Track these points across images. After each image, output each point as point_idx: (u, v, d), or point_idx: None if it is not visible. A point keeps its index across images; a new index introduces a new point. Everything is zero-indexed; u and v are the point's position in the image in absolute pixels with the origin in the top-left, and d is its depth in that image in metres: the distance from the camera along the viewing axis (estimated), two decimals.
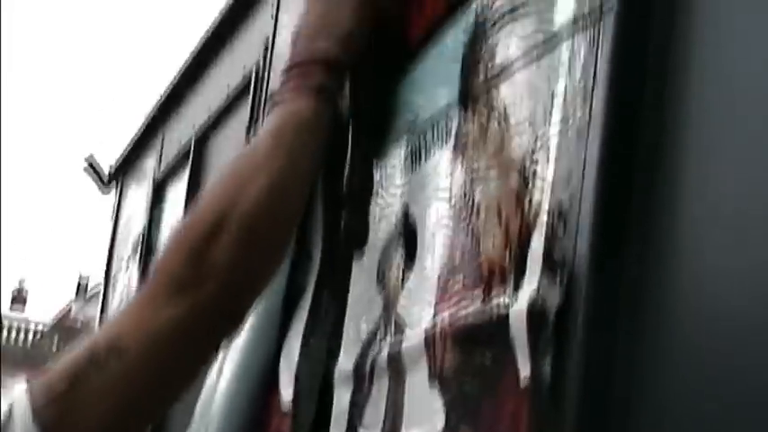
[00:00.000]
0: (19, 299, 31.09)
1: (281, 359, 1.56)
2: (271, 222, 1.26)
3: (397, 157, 1.35)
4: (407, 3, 1.38)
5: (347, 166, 1.46)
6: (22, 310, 29.77)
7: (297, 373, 1.50)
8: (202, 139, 2.70)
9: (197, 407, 1.68)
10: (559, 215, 0.93)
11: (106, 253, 3.73)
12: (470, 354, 1.03)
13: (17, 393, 1.14)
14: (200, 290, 1.20)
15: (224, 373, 1.63)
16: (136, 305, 1.24)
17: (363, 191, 1.42)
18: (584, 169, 0.91)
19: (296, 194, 1.30)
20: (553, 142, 0.96)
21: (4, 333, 27.06)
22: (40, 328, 27.27)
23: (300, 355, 1.51)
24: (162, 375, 1.20)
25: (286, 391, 1.53)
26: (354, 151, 1.46)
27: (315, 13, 1.38)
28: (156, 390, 1.20)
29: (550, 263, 0.92)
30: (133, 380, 1.17)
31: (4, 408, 1.14)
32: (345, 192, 1.46)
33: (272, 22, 2.16)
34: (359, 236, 1.41)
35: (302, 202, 1.33)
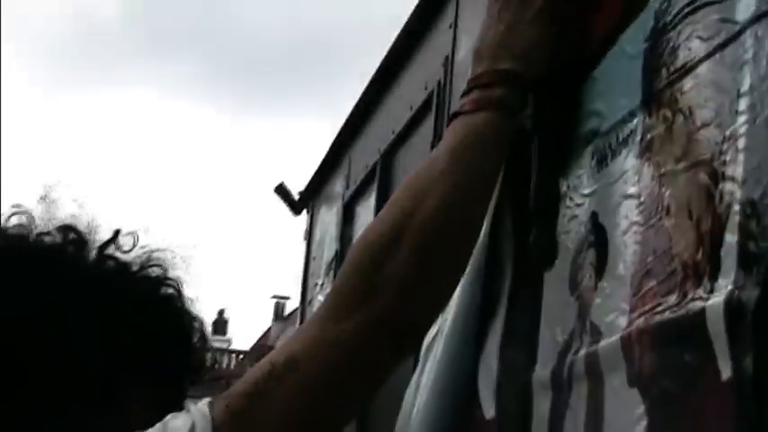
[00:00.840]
0: (220, 327, 31.97)
1: (479, 374, 1.57)
2: (446, 237, 1.25)
3: (583, 166, 1.35)
4: (586, 10, 1.39)
5: (533, 181, 1.46)
6: (224, 338, 30.60)
7: (497, 388, 1.51)
8: (388, 159, 2.75)
9: (397, 422, 1.71)
10: (752, 210, 0.92)
11: (301, 275, 3.82)
12: (669, 354, 1.03)
13: (200, 410, 1.18)
14: (372, 303, 1.20)
15: (422, 388, 1.65)
16: (315, 320, 1.24)
17: (550, 206, 1.42)
18: None
19: (473, 210, 1.29)
20: (741, 137, 0.95)
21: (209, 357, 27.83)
22: (242, 351, 27.98)
23: (499, 369, 1.52)
24: (337, 388, 1.20)
25: (487, 406, 1.54)
26: (540, 166, 1.45)
27: (496, 27, 1.37)
28: (333, 402, 1.21)
29: (745, 259, 0.91)
30: (309, 392, 1.18)
31: (188, 424, 1.16)
32: (532, 207, 1.46)
33: (451, 39, 2.19)
34: (547, 254, 1.40)
35: (480, 217, 1.33)
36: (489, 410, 1.53)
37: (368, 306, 1.20)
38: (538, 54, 1.36)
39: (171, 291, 1.33)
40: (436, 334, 1.65)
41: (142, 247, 1.34)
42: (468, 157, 1.29)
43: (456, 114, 1.35)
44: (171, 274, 1.34)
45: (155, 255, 1.33)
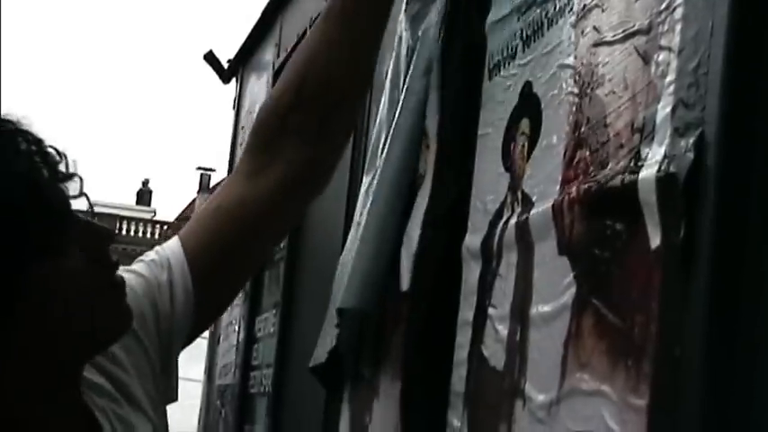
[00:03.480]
0: (144, 197, 31.76)
1: (403, 247, 1.58)
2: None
3: (518, 36, 1.35)
4: None
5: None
6: (149, 208, 30.41)
7: (416, 260, 1.53)
8: None
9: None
10: (687, 79, 0.92)
11: (229, 145, 3.79)
12: (600, 222, 1.04)
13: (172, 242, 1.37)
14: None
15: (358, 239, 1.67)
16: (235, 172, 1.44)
17: None
18: (712, 32, 0.90)
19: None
20: (679, 6, 0.95)
21: (133, 227, 27.75)
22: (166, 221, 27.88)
23: (420, 241, 1.53)
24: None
25: (404, 278, 1.56)
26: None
27: None
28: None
29: (679, 127, 0.92)
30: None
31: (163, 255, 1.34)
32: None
33: None
34: None
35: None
36: (405, 283, 1.56)
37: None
38: None
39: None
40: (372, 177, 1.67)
41: None
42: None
43: None
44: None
45: None
